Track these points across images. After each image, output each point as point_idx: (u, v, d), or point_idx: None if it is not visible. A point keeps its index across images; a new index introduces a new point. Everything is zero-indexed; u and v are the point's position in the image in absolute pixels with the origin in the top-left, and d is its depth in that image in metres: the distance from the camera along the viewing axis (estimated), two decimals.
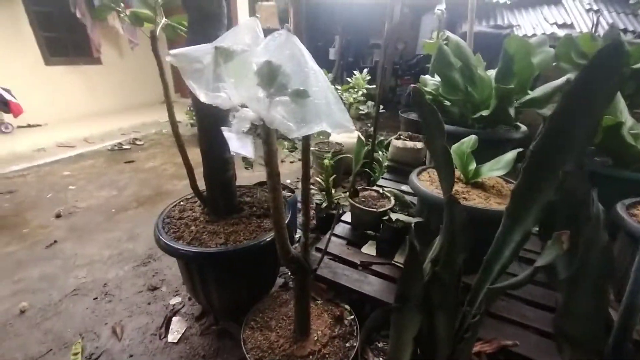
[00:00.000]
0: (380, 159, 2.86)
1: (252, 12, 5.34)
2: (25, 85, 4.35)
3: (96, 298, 1.73)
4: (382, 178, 2.46)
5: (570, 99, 0.60)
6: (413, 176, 1.43)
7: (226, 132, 0.80)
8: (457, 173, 1.45)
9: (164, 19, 1.37)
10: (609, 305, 1.04)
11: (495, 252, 0.79)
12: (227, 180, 1.33)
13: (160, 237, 1.27)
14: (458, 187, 1.36)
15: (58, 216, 2.51)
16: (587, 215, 0.69)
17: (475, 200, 1.25)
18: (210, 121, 1.17)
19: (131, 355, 1.41)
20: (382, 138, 3.40)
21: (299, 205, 2.46)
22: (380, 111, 2.66)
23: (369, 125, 3.86)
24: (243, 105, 0.77)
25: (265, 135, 0.76)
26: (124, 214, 2.59)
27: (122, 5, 1.30)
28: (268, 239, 1.28)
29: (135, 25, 1.39)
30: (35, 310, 1.63)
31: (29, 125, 4.44)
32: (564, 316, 0.74)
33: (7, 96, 3.91)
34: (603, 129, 1.47)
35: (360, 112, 3.38)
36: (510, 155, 1.29)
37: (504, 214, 0.76)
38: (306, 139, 0.82)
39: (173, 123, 1.30)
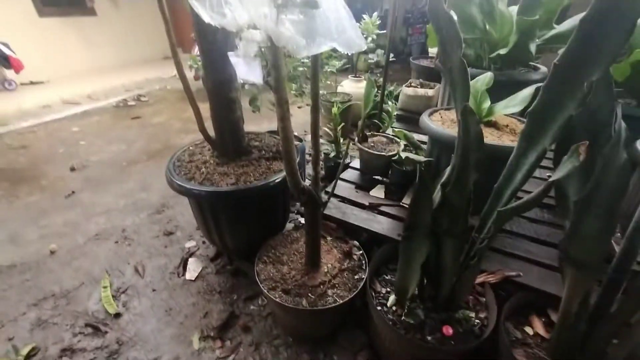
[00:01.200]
0: (390, 110, 2.78)
1: None
2: (21, 39, 4.21)
3: (117, 242, 1.83)
4: (392, 127, 2.41)
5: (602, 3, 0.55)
6: (424, 117, 1.40)
7: (233, 58, 0.77)
8: None
9: None
10: (616, 229, 1.05)
11: (507, 177, 0.78)
12: (234, 121, 1.32)
13: (173, 179, 1.30)
14: None
15: (72, 169, 2.58)
16: (609, 135, 0.67)
17: (487, 138, 1.23)
18: (215, 55, 1.13)
19: (154, 290, 1.52)
20: (391, 88, 3.28)
21: (308, 161, 2.47)
22: (390, 60, 2.53)
23: (379, 75, 3.70)
24: (249, 28, 0.73)
25: (273, 58, 0.73)
26: (135, 167, 2.64)
27: None
28: (278, 180, 1.29)
29: None
30: (64, 251, 1.75)
31: (31, 83, 4.38)
32: (571, 238, 0.75)
33: (6, 51, 3.82)
34: (631, 64, 1.38)
35: (370, 60, 3.22)
36: (528, 91, 1.23)
37: (518, 138, 0.74)
38: (315, 60, 0.79)
39: (181, 73, 1.25)
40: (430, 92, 2.33)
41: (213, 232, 1.47)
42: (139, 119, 3.64)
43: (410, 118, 2.39)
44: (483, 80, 1.32)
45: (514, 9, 1.80)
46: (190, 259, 1.70)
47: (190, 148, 1.54)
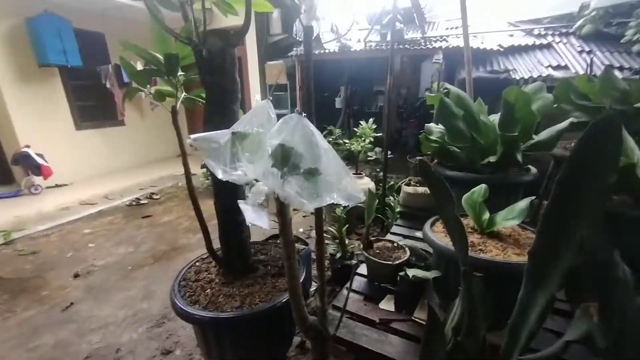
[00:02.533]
0: (392, 204, 2.86)
1: (262, 70, 5.78)
2: (57, 149, 4.70)
3: None
4: (395, 225, 2.43)
5: (572, 166, 0.62)
6: (426, 228, 1.42)
7: (242, 204, 0.84)
8: (471, 222, 1.44)
9: (184, 93, 1.52)
10: None
11: (520, 314, 0.75)
12: (242, 242, 1.35)
13: (176, 302, 1.27)
14: (473, 237, 1.34)
15: (76, 276, 2.55)
16: (614, 277, 0.67)
17: (492, 252, 1.22)
18: (225, 186, 1.23)
19: None
20: (392, 182, 3.43)
21: (313, 255, 2.45)
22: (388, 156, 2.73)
23: (378, 170, 3.93)
24: (257, 180, 0.82)
25: (279, 207, 0.80)
26: (140, 271, 2.61)
27: (149, 85, 1.46)
28: (284, 300, 1.26)
29: (158, 101, 1.54)
30: None
31: (56, 185, 4.70)
32: None
33: (40, 161, 4.21)
34: (622, 167, 1.46)
35: (369, 158, 3.47)
36: (523, 203, 1.28)
37: (524, 276, 0.74)
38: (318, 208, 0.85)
39: (195, 205, 1.37)
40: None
41: (215, 357, 1.37)
42: (149, 217, 3.76)
43: (413, 215, 2.44)
44: (479, 192, 1.38)
45: (495, 117, 2.01)
46: None
47: (197, 264, 1.54)
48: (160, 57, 1.29)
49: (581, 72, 3.35)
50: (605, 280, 0.63)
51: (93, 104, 5.27)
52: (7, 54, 4.18)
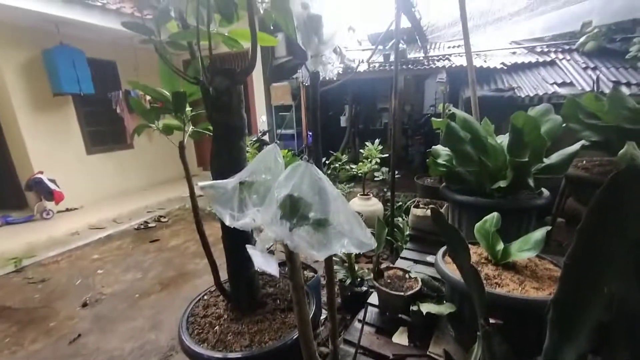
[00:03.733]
0: (401, 225, 2.82)
1: (267, 92, 5.90)
2: (68, 173, 4.80)
3: None
4: (406, 248, 2.38)
5: (596, 214, 0.59)
6: (439, 258, 1.39)
7: (250, 250, 0.82)
8: (485, 253, 1.39)
9: (192, 127, 1.54)
10: None
11: None
12: (250, 277, 1.33)
13: (184, 340, 1.24)
14: (488, 269, 1.29)
15: (84, 305, 2.54)
16: None
17: (509, 286, 1.18)
18: None
19: None
20: (400, 203, 3.40)
21: (323, 280, 2.39)
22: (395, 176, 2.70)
23: (385, 190, 3.90)
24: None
25: (288, 254, 0.78)
26: (148, 299, 2.59)
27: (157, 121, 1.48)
28: (294, 338, 1.22)
29: (165, 134, 1.56)
30: None
31: (67, 209, 4.76)
32: None
33: (52, 186, 4.30)
34: None
35: (376, 178, 3.46)
36: (539, 234, 1.24)
37: (548, 324, 0.70)
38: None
39: (203, 239, 1.37)
40: None
41: None
42: (157, 241, 3.77)
43: (422, 238, 2.39)
44: (491, 221, 1.35)
45: (503, 138, 1.99)
46: None
47: (205, 298, 1.52)
48: (168, 95, 1.32)
49: (587, 88, 3.33)
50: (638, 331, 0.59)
51: (103, 129, 5.41)
52: (24, 84, 4.35)
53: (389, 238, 2.76)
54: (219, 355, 1.18)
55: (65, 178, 4.62)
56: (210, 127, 1.43)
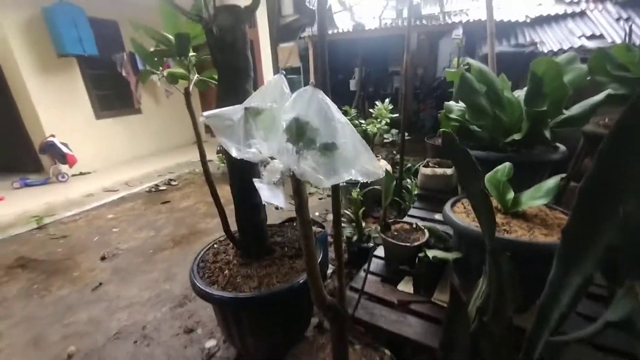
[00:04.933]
0: (409, 187, 2.80)
1: (274, 53, 5.69)
2: (79, 138, 4.86)
3: (136, 342, 1.77)
4: (413, 207, 2.38)
5: (620, 133, 0.55)
6: (447, 208, 1.38)
7: (257, 183, 0.82)
8: (495, 203, 1.37)
9: (197, 75, 1.50)
10: None
11: (551, 296, 0.71)
12: (258, 224, 1.35)
13: (196, 282, 1.30)
14: (497, 218, 1.28)
15: (103, 258, 2.67)
16: None
17: (517, 232, 1.17)
18: (241, 168, 1.22)
19: None
20: (409, 165, 3.35)
21: (330, 238, 2.44)
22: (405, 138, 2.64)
23: (395, 152, 3.84)
24: (273, 157, 0.79)
25: (295, 186, 0.78)
26: (161, 254, 2.70)
27: (161, 68, 1.44)
28: (301, 281, 1.26)
29: (171, 83, 1.53)
30: (81, 355, 1.70)
31: (80, 173, 4.88)
32: None
33: (65, 150, 4.37)
34: None
35: (385, 140, 3.39)
36: (552, 182, 1.21)
37: (555, 257, 0.69)
38: (335, 186, 0.82)
39: (212, 187, 1.37)
40: (448, 171, 2.35)
41: (234, 335, 1.40)
42: (168, 203, 3.86)
43: (431, 197, 2.38)
44: (502, 171, 1.31)
45: (520, 93, 1.89)
46: None
47: (215, 246, 1.56)
48: (171, 37, 1.26)
49: (618, 41, 3.08)
50: None
51: (111, 93, 5.37)
52: (28, 44, 4.28)
53: (396, 199, 2.76)
54: (229, 295, 1.24)
55: (76, 142, 4.68)
56: (216, 77, 1.39)
